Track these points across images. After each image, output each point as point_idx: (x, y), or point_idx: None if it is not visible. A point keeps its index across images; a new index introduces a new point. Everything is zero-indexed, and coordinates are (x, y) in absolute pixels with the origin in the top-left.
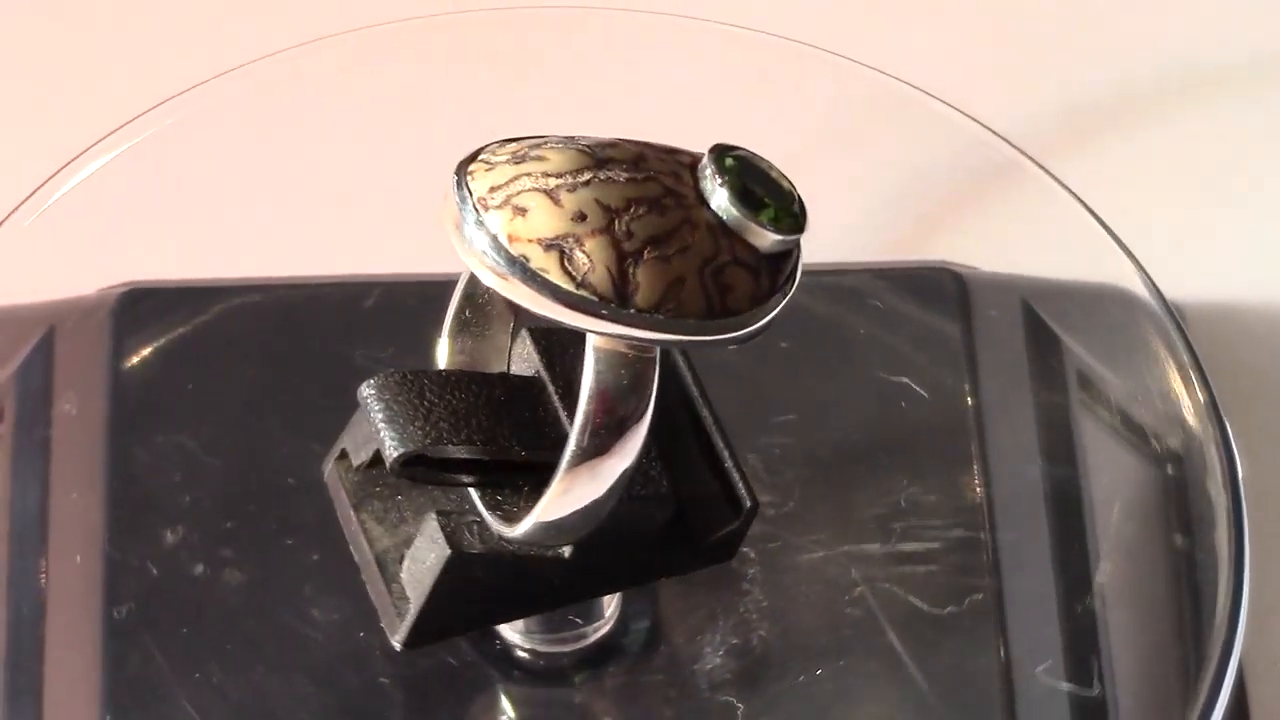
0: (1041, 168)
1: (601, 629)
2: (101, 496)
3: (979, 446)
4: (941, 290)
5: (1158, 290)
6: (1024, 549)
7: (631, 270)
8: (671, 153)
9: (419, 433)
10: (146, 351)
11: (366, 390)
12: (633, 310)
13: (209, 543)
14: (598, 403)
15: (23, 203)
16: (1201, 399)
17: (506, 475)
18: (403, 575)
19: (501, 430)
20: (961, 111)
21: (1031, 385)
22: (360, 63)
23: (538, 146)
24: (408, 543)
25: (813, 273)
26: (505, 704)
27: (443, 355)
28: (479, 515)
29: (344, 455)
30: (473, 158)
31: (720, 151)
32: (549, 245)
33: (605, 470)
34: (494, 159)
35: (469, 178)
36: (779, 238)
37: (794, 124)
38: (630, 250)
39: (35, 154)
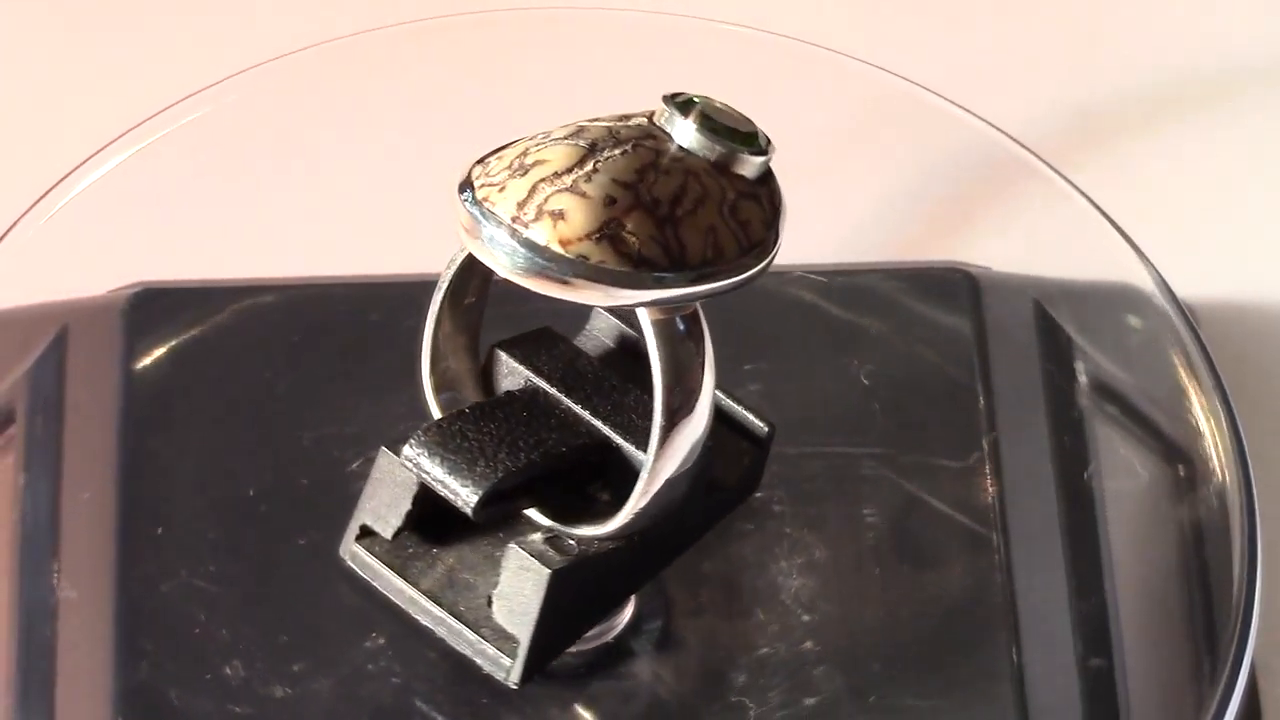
0: (1053, 169)
1: (614, 629)
2: (113, 496)
3: (991, 446)
4: (954, 291)
5: (1170, 290)
6: (1036, 549)
7: (672, 233)
8: (625, 118)
9: (488, 470)
10: (158, 352)
11: (411, 452)
12: (688, 269)
13: (221, 542)
14: (671, 374)
15: (35, 204)
16: (1214, 399)
17: (559, 486)
18: (495, 618)
19: (549, 440)
20: (974, 113)
21: (1044, 385)
22: (371, 65)
23: (524, 154)
24: (472, 589)
25: (826, 273)
26: (520, 705)
27: (429, 390)
28: (539, 536)
29: (366, 532)
30: (469, 184)
31: (675, 100)
32: (598, 237)
33: (688, 436)
34: (495, 178)
35: (486, 205)
36: (761, 159)
37: (809, 126)
38: (663, 215)
39: (48, 155)
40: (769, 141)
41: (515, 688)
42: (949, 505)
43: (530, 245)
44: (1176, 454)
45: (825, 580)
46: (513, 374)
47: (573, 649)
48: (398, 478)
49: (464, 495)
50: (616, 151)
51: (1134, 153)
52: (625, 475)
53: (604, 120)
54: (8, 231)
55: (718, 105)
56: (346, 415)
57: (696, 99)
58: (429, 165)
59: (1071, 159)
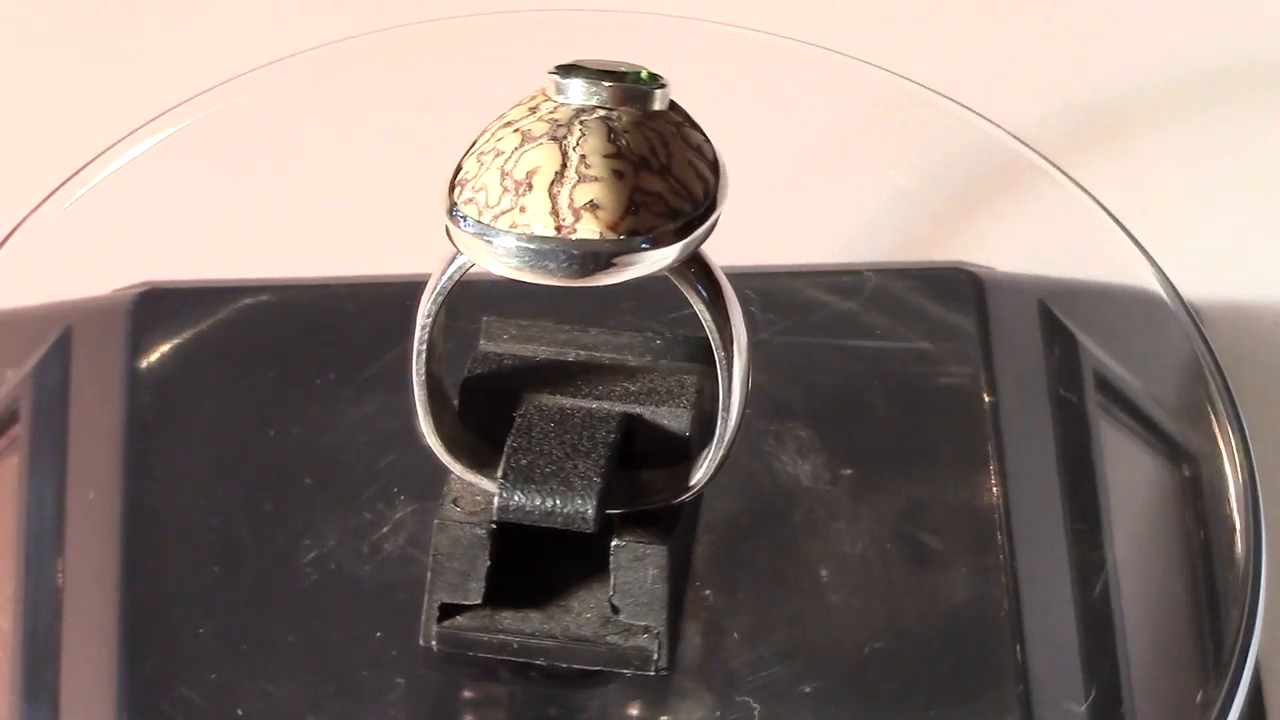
0: (1058, 168)
1: None
2: (118, 496)
3: (995, 446)
4: (958, 290)
5: (1175, 290)
6: (1040, 549)
7: (674, 179)
8: (531, 108)
9: (583, 480)
10: (163, 351)
11: (506, 501)
12: (701, 203)
13: (225, 542)
14: (721, 309)
15: (41, 204)
16: (1219, 399)
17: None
18: (622, 618)
19: (595, 435)
20: (977, 113)
21: (1048, 385)
22: (371, 66)
23: (504, 172)
24: (569, 610)
25: (829, 272)
26: (519, 705)
27: (426, 425)
28: (611, 535)
29: (448, 611)
30: (487, 226)
31: (562, 70)
32: (634, 209)
33: (744, 376)
34: (501, 205)
35: (513, 231)
36: (662, 89)
37: (813, 126)
38: (658, 167)
39: (53, 156)
40: (649, 71)
41: (666, 673)
42: (953, 506)
43: (587, 245)
44: (1181, 455)
45: (827, 579)
46: (496, 400)
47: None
48: (467, 541)
49: (581, 511)
50: (576, 133)
51: (1139, 152)
52: (659, 441)
53: (518, 116)
54: (13, 232)
55: (589, 62)
56: (350, 415)
57: (568, 65)
58: (429, 166)
59: (1076, 158)
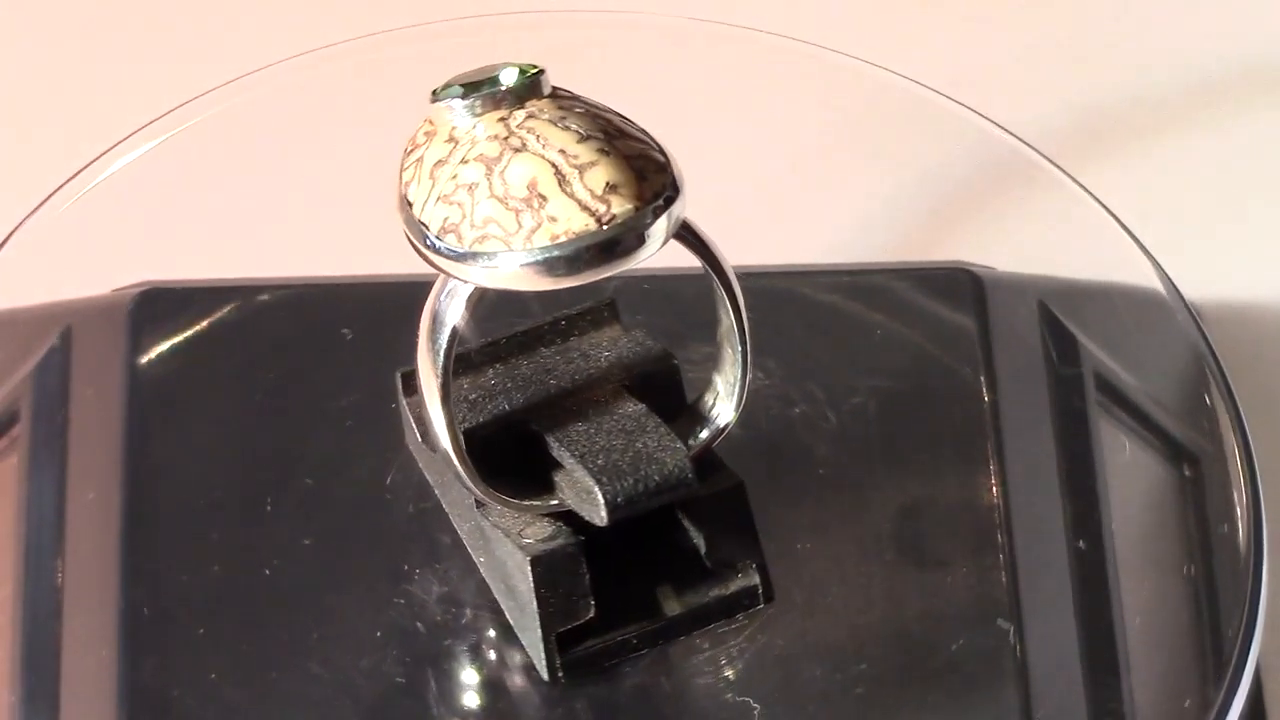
0: (1059, 168)
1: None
2: (118, 496)
3: (995, 447)
4: (959, 291)
5: (1177, 290)
6: (1040, 549)
7: (635, 136)
8: (430, 132)
9: (664, 451)
10: (163, 351)
11: (615, 499)
12: (663, 149)
13: (225, 543)
14: (719, 256)
15: (41, 205)
16: (1220, 399)
17: None
18: (716, 565)
19: (636, 408)
20: (978, 113)
21: (1049, 386)
22: (371, 67)
23: (490, 188)
24: (676, 577)
25: (830, 272)
26: (519, 704)
27: (467, 474)
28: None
29: (563, 638)
30: (514, 252)
31: (451, 89)
32: (642, 173)
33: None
34: (524, 224)
35: (561, 242)
36: (544, 72)
37: (814, 126)
38: (617, 132)
39: (53, 157)
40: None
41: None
42: (953, 505)
43: (633, 222)
44: (1182, 454)
45: (828, 579)
46: (499, 434)
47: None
48: (566, 564)
49: (682, 475)
50: (531, 137)
51: (1140, 152)
52: (659, 394)
53: (445, 152)
54: (13, 232)
55: (459, 78)
56: (351, 415)
57: (447, 86)
58: None
59: (1077, 158)
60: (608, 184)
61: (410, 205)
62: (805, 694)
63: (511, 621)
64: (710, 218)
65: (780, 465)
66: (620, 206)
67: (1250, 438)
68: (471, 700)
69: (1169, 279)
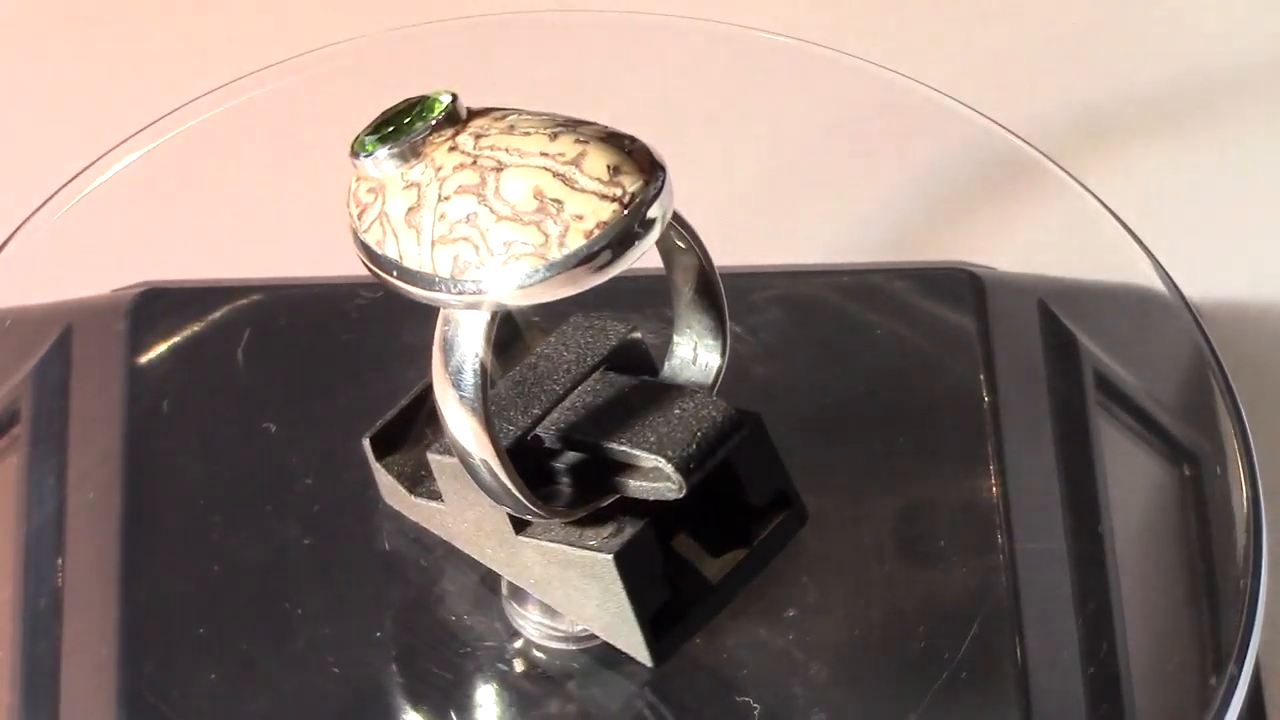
0: (1060, 167)
1: None
2: (117, 495)
3: (995, 446)
4: (959, 290)
5: (1178, 290)
6: (1040, 548)
7: (587, 121)
8: (391, 182)
9: (719, 419)
10: (162, 351)
11: (684, 473)
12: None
13: (225, 542)
14: (679, 222)
15: (41, 206)
16: (1221, 398)
17: None
18: (757, 501)
19: (645, 385)
20: (979, 112)
21: (1048, 385)
22: (372, 67)
23: (494, 212)
24: (714, 542)
25: (831, 272)
26: (518, 703)
27: (522, 497)
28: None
29: (657, 622)
30: (554, 262)
31: (367, 148)
32: (625, 149)
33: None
34: (549, 231)
35: (597, 235)
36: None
37: (814, 126)
38: (571, 121)
39: (54, 158)
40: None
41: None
42: (954, 504)
43: (646, 194)
44: (1182, 453)
45: (829, 578)
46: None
47: (573, 648)
48: (642, 544)
49: (732, 421)
50: (501, 152)
51: (1140, 151)
52: (637, 368)
53: (411, 199)
54: (14, 233)
55: (379, 121)
56: (351, 414)
57: (360, 140)
58: None
59: (1077, 158)
60: (609, 167)
61: (396, 262)
62: (805, 693)
63: (593, 627)
64: (710, 217)
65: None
66: (633, 184)
67: (1250, 438)
68: (472, 700)
69: (1170, 279)
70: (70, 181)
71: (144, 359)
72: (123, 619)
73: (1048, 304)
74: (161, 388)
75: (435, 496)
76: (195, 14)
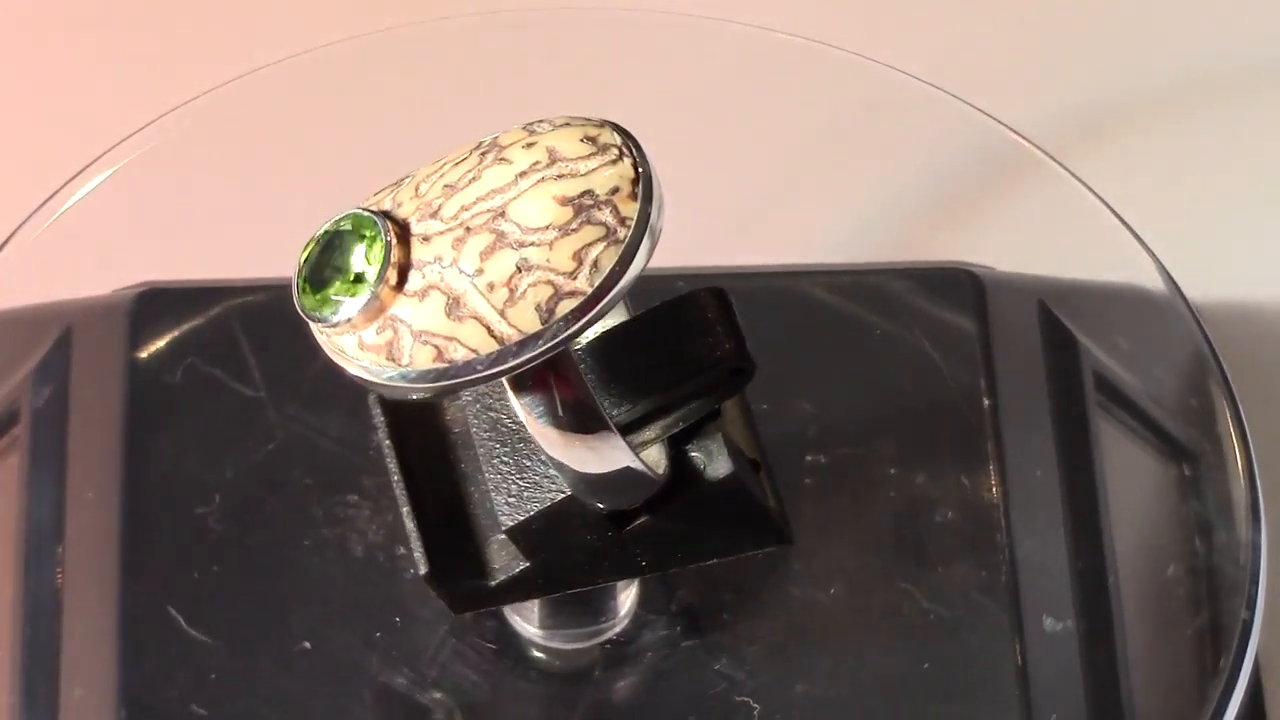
0: (1061, 166)
1: (616, 627)
2: (118, 495)
3: (995, 446)
4: (959, 290)
5: (1178, 289)
6: (1040, 549)
7: (542, 142)
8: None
9: (710, 354)
10: (163, 351)
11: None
12: None
13: (226, 541)
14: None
15: (41, 206)
16: (1220, 399)
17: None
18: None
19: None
20: (980, 110)
21: (1048, 385)
22: (371, 67)
23: (531, 264)
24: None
25: (830, 272)
26: (522, 703)
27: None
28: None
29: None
30: (593, 293)
31: (321, 314)
32: (595, 158)
33: None
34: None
35: (618, 248)
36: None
37: (813, 123)
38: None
39: (54, 157)
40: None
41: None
42: (953, 504)
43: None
44: (1182, 453)
45: (829, 578)
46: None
47: (573, 647)
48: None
49: (725, 353)
50: (476, 213)
51: (1141, 150)
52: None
53: (418, 281)
54: (14, 233)
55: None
56: (350, 414)
57: (311, 295)
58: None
59: (1078, 156)
60: (582, 140)
61: (482, 356)
62: (805, 693)
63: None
64: (710, 217)
65: (780, 465)
66: (611, 139)
67: (1250, 438)
68: (473, 700)
69: (1170, 278)
70: (70, 181)
71: (144, 359)
72: (122, 619)
73: (1048, 304)
74: (162, 388)
75: (509, 570)
76: (195, 14)
